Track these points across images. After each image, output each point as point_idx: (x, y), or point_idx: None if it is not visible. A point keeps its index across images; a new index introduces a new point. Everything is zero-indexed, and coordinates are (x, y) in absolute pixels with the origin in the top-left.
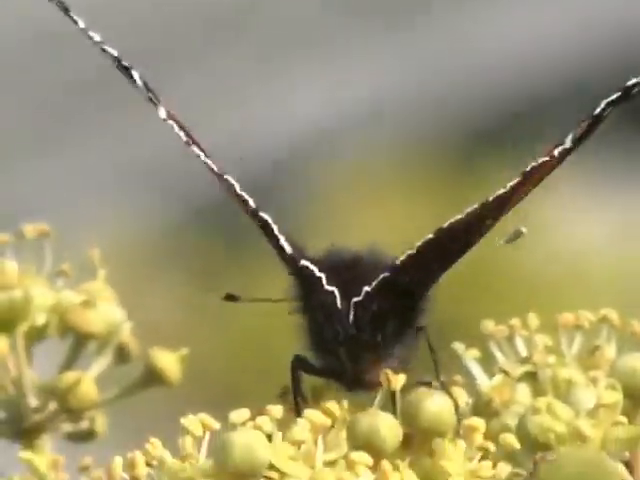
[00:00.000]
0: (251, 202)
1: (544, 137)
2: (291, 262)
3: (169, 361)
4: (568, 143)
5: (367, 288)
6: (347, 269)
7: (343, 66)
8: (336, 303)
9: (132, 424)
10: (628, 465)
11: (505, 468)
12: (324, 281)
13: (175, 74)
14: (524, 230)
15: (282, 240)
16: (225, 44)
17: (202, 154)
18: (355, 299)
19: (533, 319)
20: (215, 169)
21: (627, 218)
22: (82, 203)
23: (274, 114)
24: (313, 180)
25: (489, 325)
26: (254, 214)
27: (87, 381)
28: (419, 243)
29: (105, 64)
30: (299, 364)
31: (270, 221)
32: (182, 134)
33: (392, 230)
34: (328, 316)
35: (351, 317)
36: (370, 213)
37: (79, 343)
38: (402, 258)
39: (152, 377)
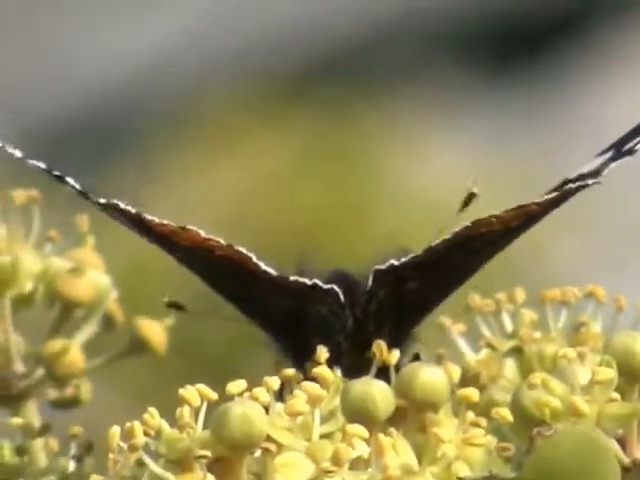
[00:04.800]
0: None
1: (379, 67)
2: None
3: (155, 330)
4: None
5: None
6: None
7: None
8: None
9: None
10: (621, 442)
11: (494, 441)
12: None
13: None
14: (476, 192)
15: (263, 265)
16: None
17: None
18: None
19: (520, 293)
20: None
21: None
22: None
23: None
24: (154, 117)
25: (475, 299)
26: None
27: (73, 348)
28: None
29: None
30: None
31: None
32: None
33: (238, 171)
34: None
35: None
36: (215, 152)
37: (66, 310)
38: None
39: (138, 346)
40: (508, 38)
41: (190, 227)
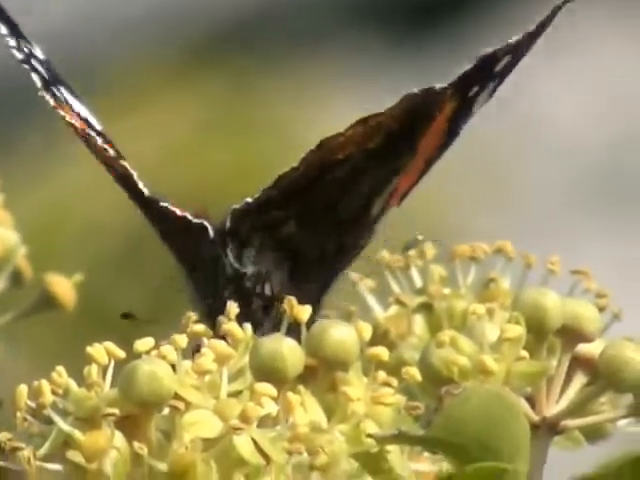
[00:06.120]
0: (111, 151)
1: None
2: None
3: (63, 286)
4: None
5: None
6: None
7: None
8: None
9: (37, 354)
10: (530, 400)
11: (403, 399)
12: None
13: None
14: (420, 237)
15: (141, 185)
16: None
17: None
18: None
19: (429, 249)
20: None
21: None
22: None
23: None
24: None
25: (384, 255)
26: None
27: None
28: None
29: None
30: None
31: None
32: None
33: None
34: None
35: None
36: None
37: None
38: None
39: (46, 302)
40: (411, 3)
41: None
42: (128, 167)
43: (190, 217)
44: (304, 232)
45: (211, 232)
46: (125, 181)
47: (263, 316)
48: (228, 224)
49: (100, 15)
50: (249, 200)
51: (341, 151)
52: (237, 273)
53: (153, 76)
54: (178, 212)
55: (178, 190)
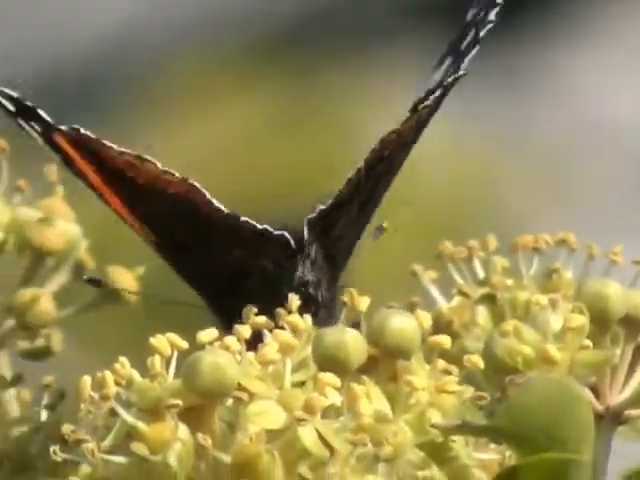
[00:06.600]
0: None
1: (351, 30)
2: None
3: (126, 279)
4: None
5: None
6: None
7: None
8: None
9: (100, 346)
10: (594, 389)
11: (468, 390)
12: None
13: None
14: (385, 225)
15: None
16: None
17: None
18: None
19: (491, 240)
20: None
21: None
22: None
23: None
24: (126, 82)
25: (447, 246)
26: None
27: (44, 298)
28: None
29: None
30: None
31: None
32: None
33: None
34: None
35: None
36: (200, 113)
37: (36, 260)
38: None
39: (109, 295)
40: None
41: (147, 157)
42: (197, 185)
43: (270, 229)
44: (345, 232)
45: (292, 243)
46: (197, 206)
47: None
48: (307, 235)
49: (164, 17)
50: (322, 206)
51: (390, 146)
52: (301, 281)
53: (218, 77)
54: (258, 226)
55: (247, 185)
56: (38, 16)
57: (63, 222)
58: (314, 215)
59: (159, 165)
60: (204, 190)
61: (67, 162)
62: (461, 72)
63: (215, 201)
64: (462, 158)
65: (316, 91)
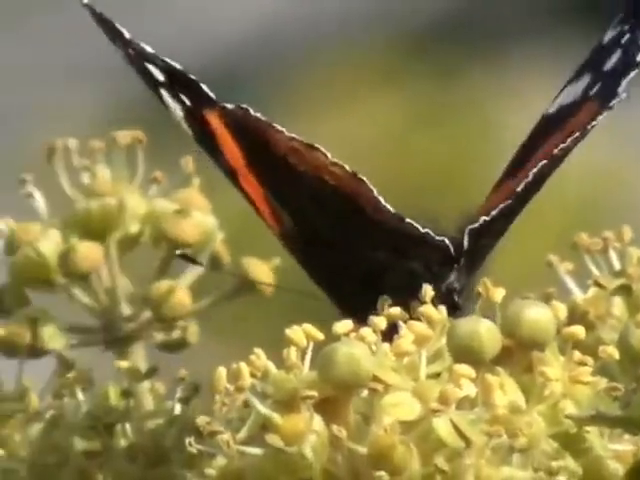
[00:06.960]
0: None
1: (491, 25)
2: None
3: (262, 270)
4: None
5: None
6: None
7: None
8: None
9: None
10: None
11: (602, 381)
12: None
13: None
14: None
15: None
16: None
17: None
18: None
19: (627, 231)
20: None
21: None
22: None
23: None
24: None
25: (583, 238)
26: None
27: (180, 290)
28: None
29: None
30: None
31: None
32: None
33: (364, 124)
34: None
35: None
36: (342, 109)
37: (172, 252)
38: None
39: (245, 286)
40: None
41: (318, 146)
42: (367, 181)
43: (432, 234)
44: (491, 239)
45: (452, 250)
46: (357, 202)
47: None
48: (466, 244)
49: (308, 12)
50: (486, 218)
51: (552, 163)
52: (450, 287)
53: (360, 74)
54: (421, 229)
55: (391, 178)
56: (183, 13)
57: (199, 214)
58: (476, 226)
59: (329, 156)
60: (373, 187)
61: (201, 140)
62: (622, 95)
63: (382, 200)
64: (593, 151)
65: (457, 90)
